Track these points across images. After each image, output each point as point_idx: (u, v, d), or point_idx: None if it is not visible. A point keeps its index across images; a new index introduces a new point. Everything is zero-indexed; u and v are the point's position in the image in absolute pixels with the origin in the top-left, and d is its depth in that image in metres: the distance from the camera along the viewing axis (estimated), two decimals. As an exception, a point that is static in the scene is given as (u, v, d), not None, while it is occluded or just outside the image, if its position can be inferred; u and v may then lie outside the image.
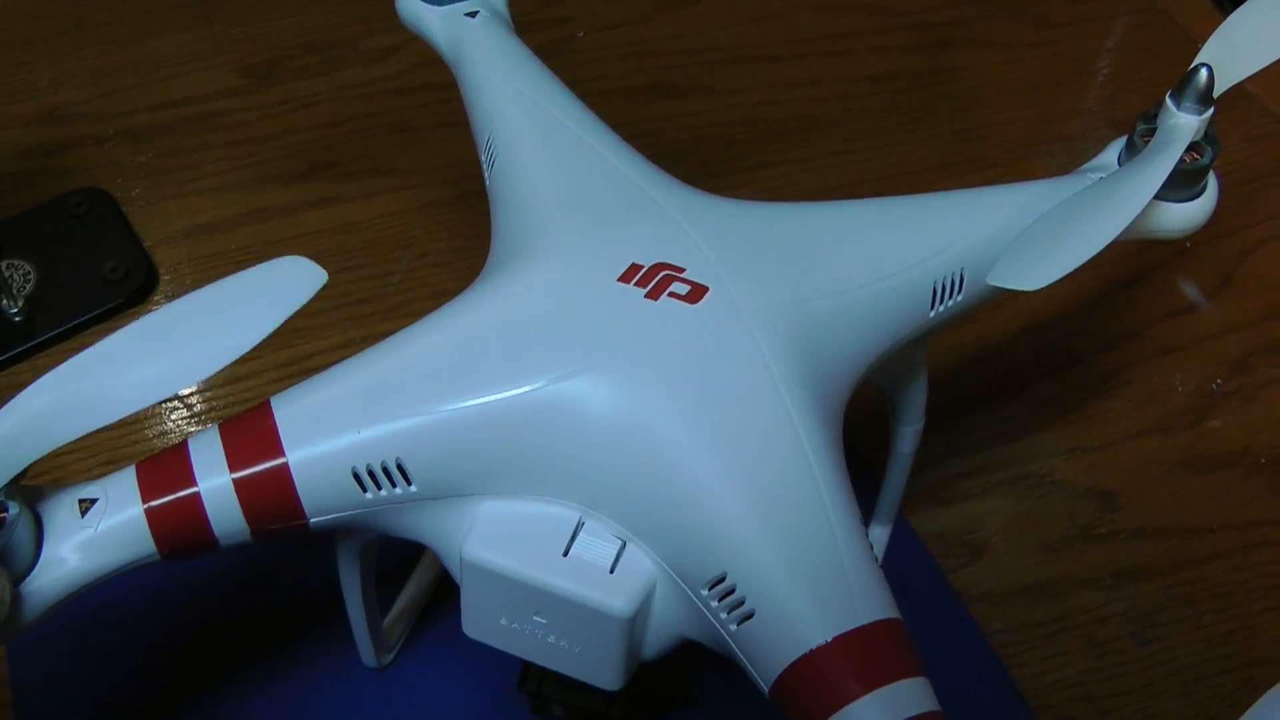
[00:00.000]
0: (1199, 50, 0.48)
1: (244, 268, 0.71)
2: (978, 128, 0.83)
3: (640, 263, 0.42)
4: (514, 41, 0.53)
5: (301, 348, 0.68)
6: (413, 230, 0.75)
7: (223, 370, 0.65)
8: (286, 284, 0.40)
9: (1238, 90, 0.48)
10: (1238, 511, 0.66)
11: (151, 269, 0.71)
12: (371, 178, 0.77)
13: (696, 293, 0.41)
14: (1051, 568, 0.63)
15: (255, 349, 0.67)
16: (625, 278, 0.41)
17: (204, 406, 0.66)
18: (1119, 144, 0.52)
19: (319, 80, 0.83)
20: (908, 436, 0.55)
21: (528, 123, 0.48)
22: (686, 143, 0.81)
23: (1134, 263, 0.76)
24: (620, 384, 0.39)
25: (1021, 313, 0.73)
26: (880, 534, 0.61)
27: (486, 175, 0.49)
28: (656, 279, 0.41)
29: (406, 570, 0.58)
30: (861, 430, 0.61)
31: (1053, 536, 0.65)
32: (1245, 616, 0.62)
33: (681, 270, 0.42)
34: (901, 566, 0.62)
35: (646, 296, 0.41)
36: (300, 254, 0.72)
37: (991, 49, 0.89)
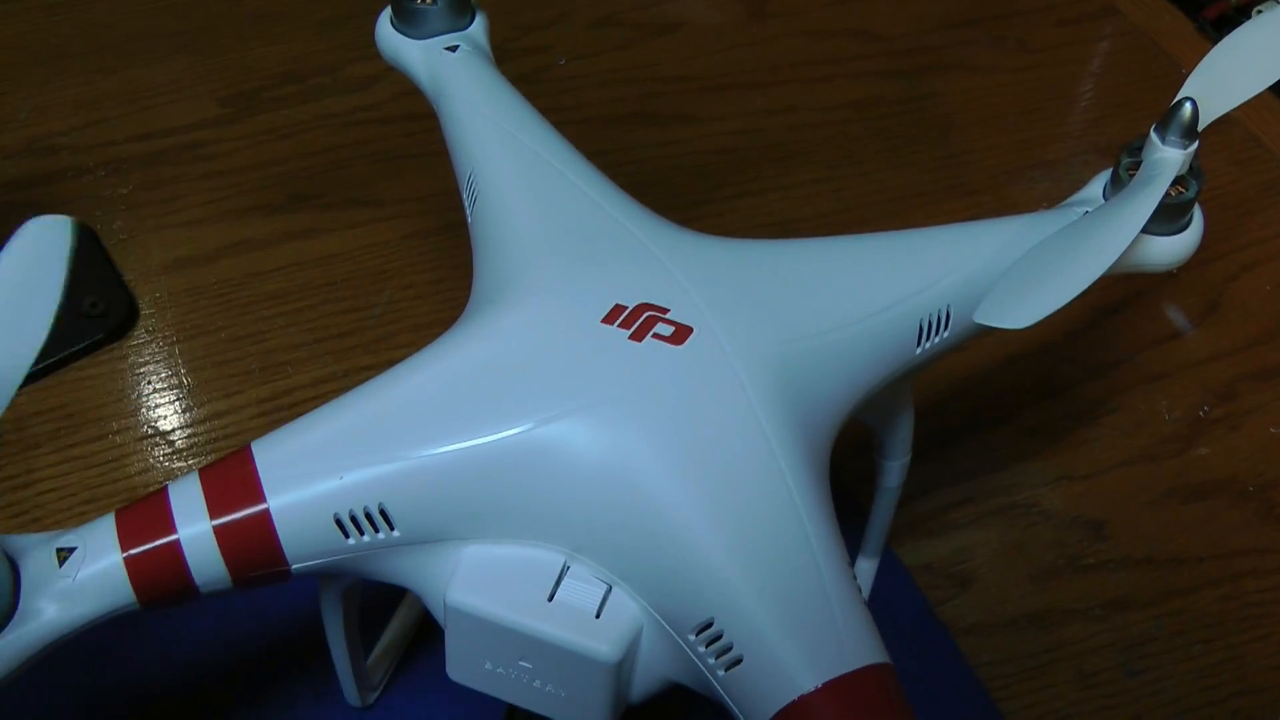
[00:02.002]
0: (1183, 80, 0.48)
1: (226, 302, 0.72)
2: (959, 154, 0.83)
3: (624, 303, 0.41)
4: (495, 76, 0.52)
5: (283, 383, 0.68)
6: (394, 262, 0.74)
7: (205, 406, 0.67)
8: (41, 251, 0.38)
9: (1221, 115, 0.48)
10: (1225, 540, 0.66)
11: (132, 304, 0.70)
12: (353, 208, 0.77)
13: (681, 334, 0.41)
14: (1040, 599, 0.63)
15: (236, 383, 0.67)
16: (609, 319, 0.41)
17: (185, 443, 0.65)
18: (1104, 177, 0.52)
19: (299, 110, 0.83)
20: (894, 471, 0.55)
21: (510, 160, 0.48)
22: (665, 171, 0.81)
23: (1120, 289, 0.76)
24: (605, 427, 0.39)
25: (1007, 341, 0.73)
26: (867, 568, 0.61)
27: (469, 213, 0.48)
28: (640, 320, 0.41)
29: (390, 607, 0.57)
30: (847, 462, 0.60)
31: (1040, 567, 0.64)
32: (1233, 646, 0.62)
33: (665, 311, 0.41)
34: (889, 599, 0.61)
35: (630, 338, 0.41)
36: (283, 287, 0.72)
37: (973, 74, 0.89)
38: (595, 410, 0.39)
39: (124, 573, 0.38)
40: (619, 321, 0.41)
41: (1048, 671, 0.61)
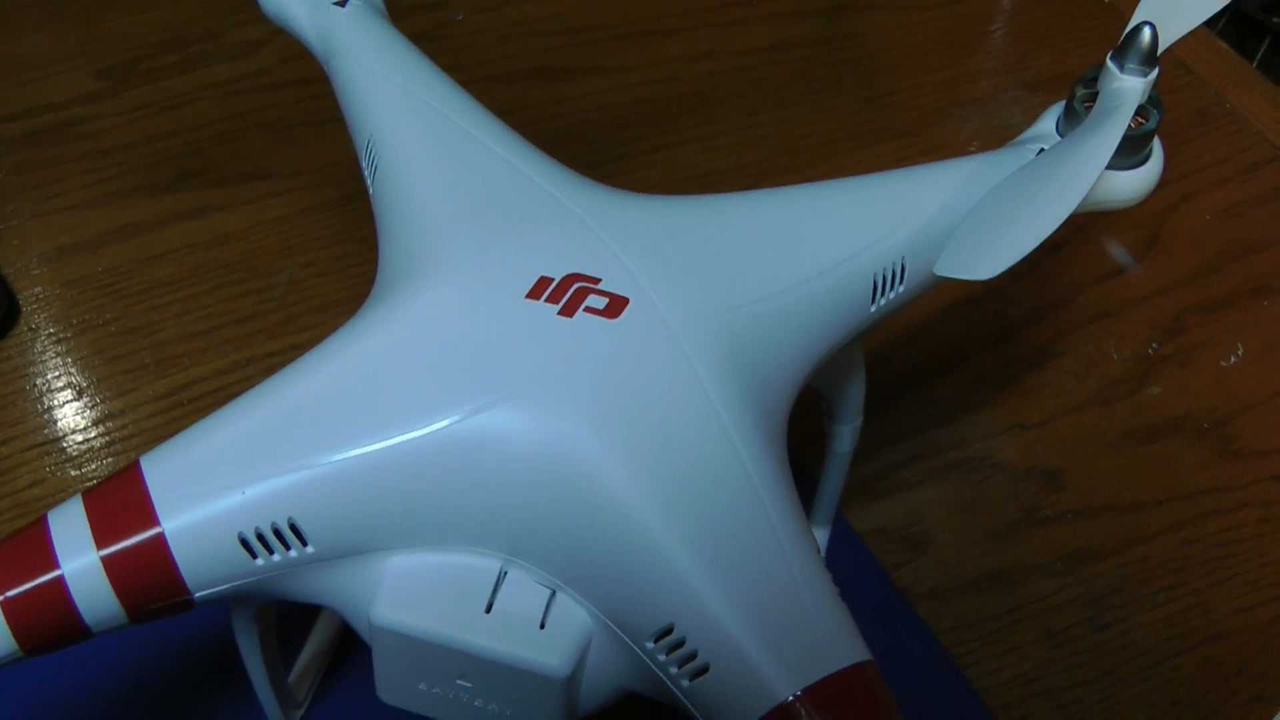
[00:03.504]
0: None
1: (115, 292, 0.66)
2: (885, 95, 0.80)
3: (550, 275, 0.37)
4: (390, 31, 0.48)
5: (179, 376, 0.63)
6: (293, 238, 0.69)
7: (98, 408, 0.61)
8: None
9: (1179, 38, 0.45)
10: (1184, 481, 0.64)
11: (11, 300, 0.65)
12: (245, 183, 0.72)
13: (615, 305, 0.37)
14: (999, 556, 0.60)
15: (130, 380, 0.62)
16: (534, 293, 0.37)
17: (79, 450, 0.60)
18: (1055, 111, 0.48)
19: (181, 80, 0.77)
20: (845, 435, 0.52)
21: (412, 122, 0.43)
22: (578, 127, 0.76)
23: (1059, 227, 0.73)
24: (538, 415, 0.35)
25: (948, 287, 0.69)
26: (820, 537, 0.58)
27: (369, 184, 0.44)
28: (570, 293, 0.37)
29: (310, 616, 0.53)
30: (792, 425, 0.57)
31: (998, 523, 0.61)
32: (1199, 592, 0.60)
33: (596, 281, 0.37)
34: (842, 569, 0.57)
35: (560, 313, 0.36)
36: (175, 272, 0.67)
37: (891, 12, 0.85)
38: (526, 397, 0.35)
39: (1, 619, 0.34)
40: (545, 295, 0.37)
41: (1013, 633, 0.58)
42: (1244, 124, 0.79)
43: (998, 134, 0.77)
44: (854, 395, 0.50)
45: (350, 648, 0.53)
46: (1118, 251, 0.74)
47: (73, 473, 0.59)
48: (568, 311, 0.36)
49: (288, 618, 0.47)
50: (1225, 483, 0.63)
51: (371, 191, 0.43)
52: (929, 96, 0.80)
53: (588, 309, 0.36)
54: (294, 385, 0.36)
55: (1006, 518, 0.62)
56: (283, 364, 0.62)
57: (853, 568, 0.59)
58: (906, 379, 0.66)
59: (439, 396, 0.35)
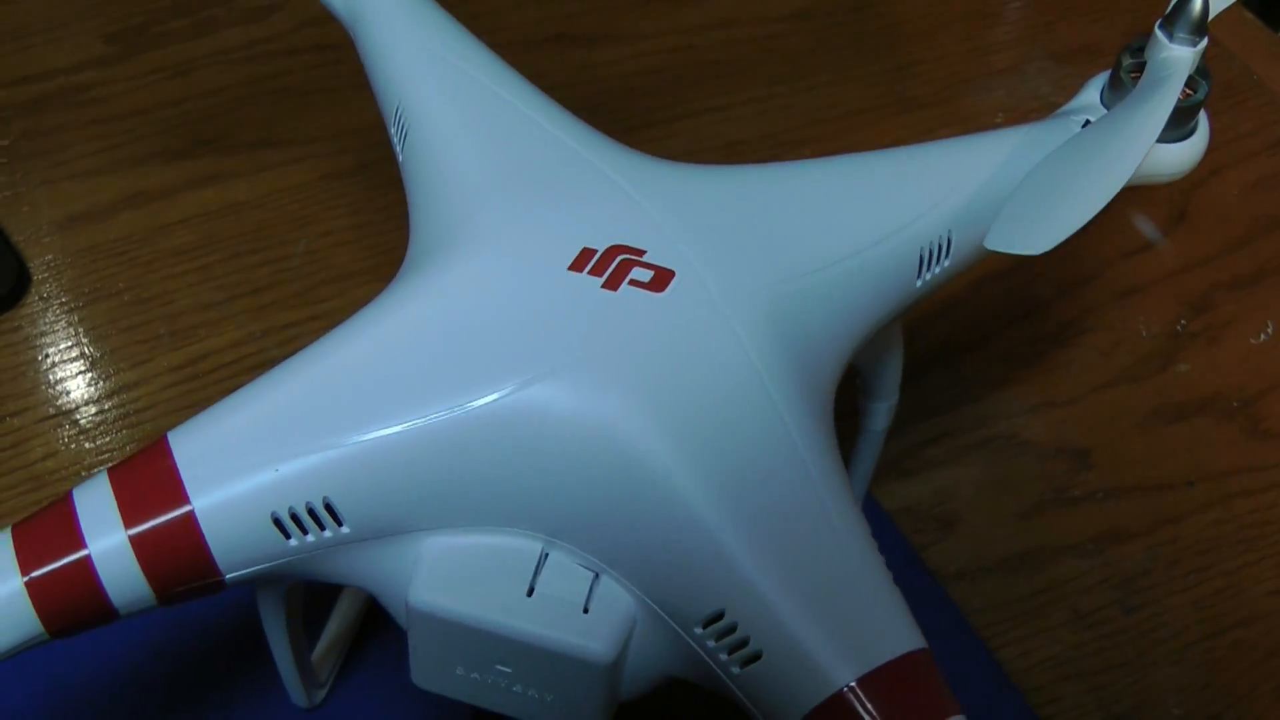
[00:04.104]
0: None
1: (127, 260, 0.65)
2: (908, 65, 0.78)
3: (593, 246, 0.36)
4: (418, -7, 0.46)
5: (194, 347, 0.61)
6: (310, 207, 0.68)
7: (112, 379, 0.60)
8: None
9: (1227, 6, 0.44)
10: (1213, 461, 0.62)
11: (22, 269, 0.64)
12: (260, 150, 0.70)
13: (661, 279, 0.35)
14: (1028, 536, 0.59)
15: (144, 351, 0.61)
16: (577, 265, 0.36)
17: (92, 421, 0.59)
18: (1099, 81, 0.47)
19: (193, 45, 0.76)
20: (881, 413, 0.50)
21: (444, 87, 0.42)
22: (596, 96, 0.75)
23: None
24: (585, 391, 0.34)
25: (974, 261, 0.69)
26: (850, 516, 0.56)
27: (399, 152, 0.42)
28: (614, 265, 0.35)
29: (332, 594, 0.51)
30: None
31: (1026, 503, 0.60)
32: (1229, 574, 0.59)
33: (641, 253, 0.36)
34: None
35: (604, 286, 0.35)
36: (189, 241, 0.66)
37: (915, -22, 0.84)
38: (571, 372, 0.34)
39: (26, 600, 0.33)
40: (589, 268, 0.35)
41: (1043, 614, 0.57)
42: (1272, 97, 0.78)
43: (1024, 105, 0.76)
44: (891, 372, 0.48)
45: (374, 627, 0.52)
46: (1145, 226, 0.72)
47: (87, 445, 0.58)
48: (612, 285, 0.35)
49: (311, 595, 0.45)
50: (1255, 463, 0.63)
51: (401, 159, 0.42)
52: (953, 67, 0.78)
53: (633, 282, 0.35)
54: (328, 359, 0.35)
55: (1035, 497, 0.61)
56: (300, 335, 0.62)
57: (882, 547, 0.57)
58: (934, 354, 0.65)
59: (482, 371, 0.34)
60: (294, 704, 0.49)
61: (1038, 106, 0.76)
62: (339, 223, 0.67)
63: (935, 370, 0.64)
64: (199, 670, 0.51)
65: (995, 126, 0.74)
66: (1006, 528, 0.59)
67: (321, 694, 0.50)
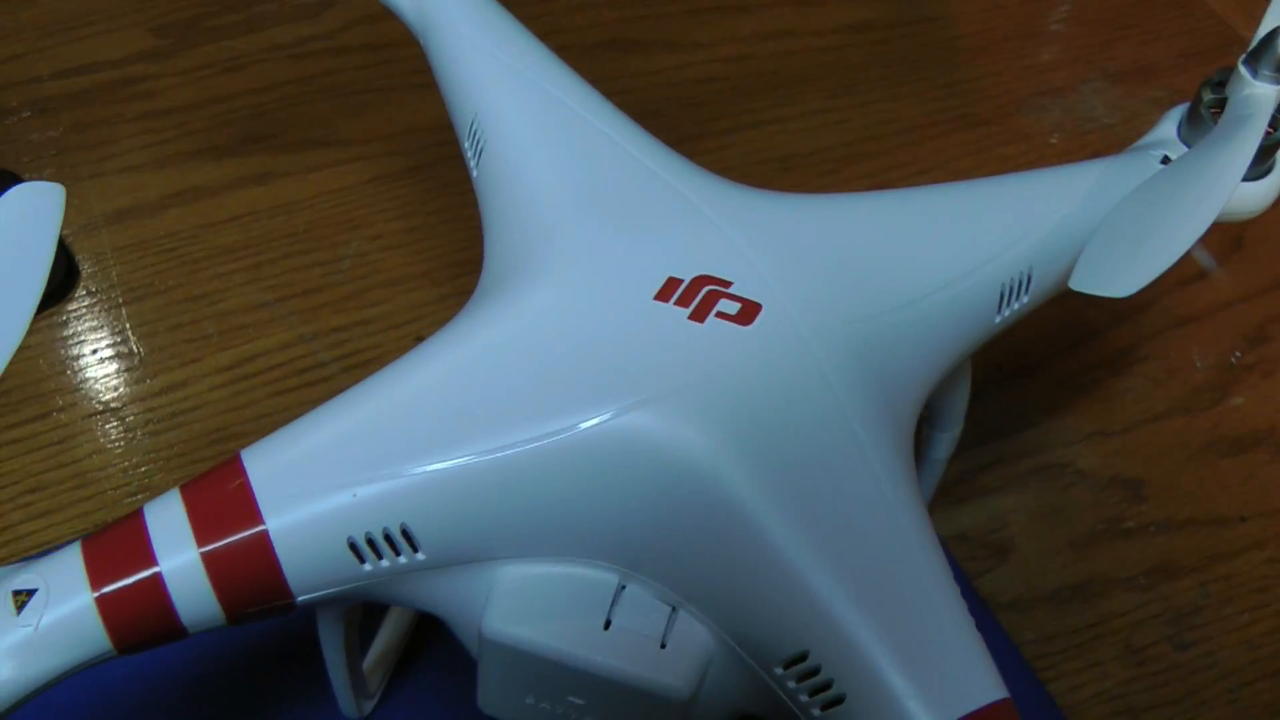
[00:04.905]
0: (1266, 12, 0.43)
1: (176, 258, 0.64)
2: (964, 81, 0.77)
3: (679, 276, 0.35)
4: (492, 3, 0.46)
5: (244, 348, 0.61)
6: (361, 209, 0.67)
7: (159, 376, 0.60)
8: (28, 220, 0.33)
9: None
10: (1267, 497, 0.62)
11: (71, 263, 0.63)
12: (310, 150, 0.70)
13: (749, 312, 0.35)
14: (1081, 568, 0.58)
15: (193, 350, 0.61)
16: (663, 295, 0.35)
17: (140, 419, 0.59)
18: (1176, 114, 0.46)
19: (244, 40, 0.75)
20: (944, 443, 0.50)
21: (522, 103, 0.41)
22: (652, 104, 0.74)
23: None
24: (670, 424, 0.33)
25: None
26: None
27: (472, 167, 0.42)
28: (700, 296, 0.35)
29: (385, 605, 0.51)
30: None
31: (1080, 533, 0.60)
32: (1283, 613, 0.58)
33: (728, 285, 0.35)
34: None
35: (691, 318, 0.35)
36: (238, 240, 0.65)
37: (971, -6, 0.83)
38: (658, 405, 0.33)
39: (96, 616, 0.32)
40: (675, 298, 0.35)
41: (1095, 648, 0.56)
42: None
43: (1080, 127, 0.75)
44: (958, 403, 0.48)
45: (423, 639, 0.51)
46: (1201, 255, 0.72)
47: (134, 443, 0.58)
48: (699, 316, 0.34)
49: (365, 606, 0.45)
50: (1310, 500, 0.62)
51: (475, 175, 0.41)
52: (1009, 85, 0.77)
53: (719, 314, 0.35)
54: (408, 381, 0.34)
55: (1088, 528, 0.60)
56: (350, 339, 0.62)
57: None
58: (989, 379, 0.64)
59: (565, 401, 0.33)
60: (344, 714, 0.48)
61: (1093, 128, 0.76)
62: (390, 226, 0.66)
63: (989, 396, 0.64)
64: (250, 676, 0.50)
65: (1051, 146, 0.74)
66: (1060, 557, 0.59)
67: (370, 705, 0.49)
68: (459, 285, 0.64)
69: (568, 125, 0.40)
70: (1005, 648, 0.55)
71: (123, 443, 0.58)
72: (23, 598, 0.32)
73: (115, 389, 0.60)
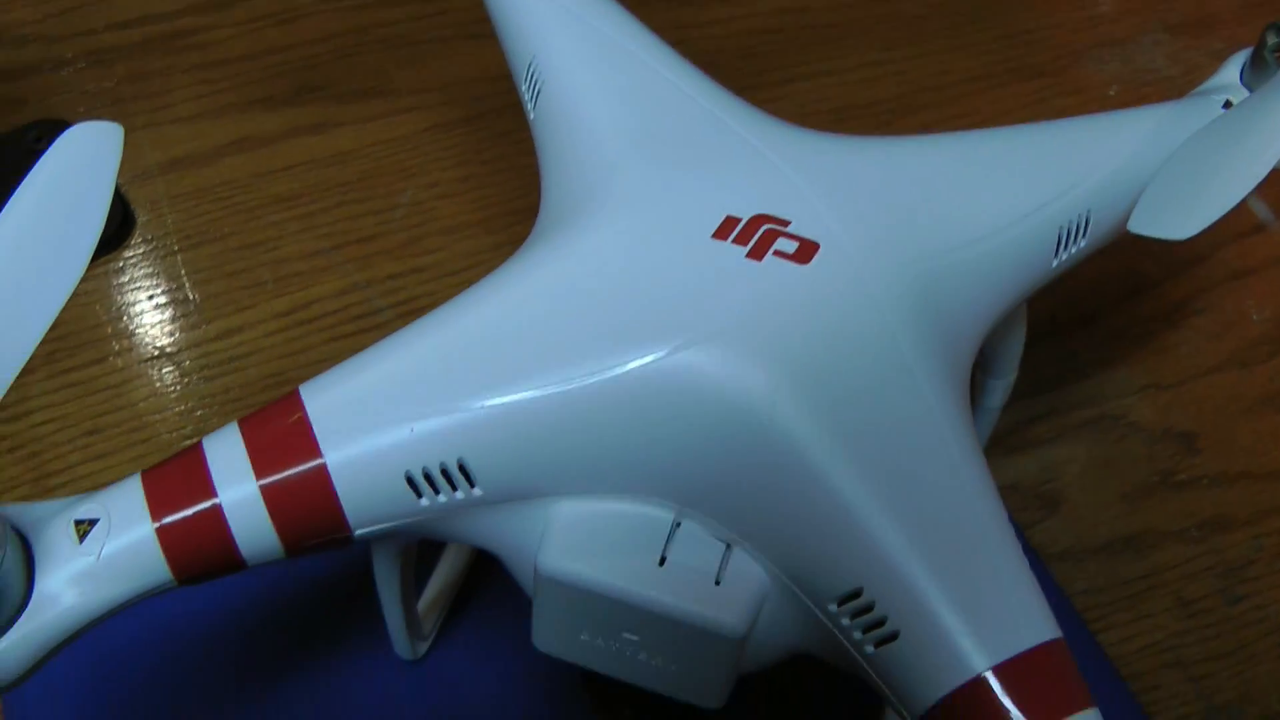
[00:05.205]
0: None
1: (231, 206, 0.65)
2: (1022, 33, 0.77)
3: (737, 215, 0.35)
4: (548, -53, 0.46)
5: (300, 295, 0.61)
6: (416, 158, 0.67)
7: (214, 323, 0.60)
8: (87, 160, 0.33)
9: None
10: (1323, 452, 0.61)
11: (126, 210, 0.64)
12: (365, 100, 0.70)
13: (806, 250, 0.35)
14: (1133, 520, 0.58)
15: (248, 296, 0.61)
16: (721, 233, 0.35)
17: (195, 364, 0.59)
18: (1239, 59, 0.46)
19: (298, -9, 0.75)
20: (998, 390, 0.50)
21: (580, 46, 0.41)
22: (706, 54, 0.73)
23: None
24: (728, 361, 0.33)
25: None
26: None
27: (529, 109, 0.42)
28: (758, 234, 0.35)
29: (439, 546, 0.51)
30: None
31: (1132, 485, 0.59)
32: (1336, 568, 0.58)
33: (786, 224, 0.35)
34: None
35: (749, 256, 0.34)
36: (293, 188, 0.65)
37: (1027, -55, 0.82)
38: (716, 342, 0.33)
39: (157, 546, 0.33)
40: (733, 236, 0.35)
41: (1146, 599, 0.56)
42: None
43: (1139, 78, 0.74)
44: (1013, 349, 0.48)
45: (477, 582, 0.52)
46: (1258, 207, 0.71)
47: (189, 388, 0.58)
48: (756, 254, 0.34)
49: (419, 548, 0.45)
50: (1365, 456, 0.61)
51: (532, 117, 0.41)
52: (1068, 36, 0.77)
53: (777, 253, 0.34)
54: (466, 318, 0.35)
55: (1141, 480, 0.60)
56: (404, 287, 0.62)
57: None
58: (1042, 330, 0.64)
59: (624, 337, 0.33)
60: (398, 655, 0.49)
61: (1152, 80, 0.75)
62: (445, 174, 0.67)
63: (1043, 346, 0.63)
64: (305, 616, 0.51)
65: (1110, 98, 0.73)
66: (1112, 510, 0.58)
67: (425, 646, 0.50)
68: (514, 233, 0.64)
69: (624, 66, 0.40)
70: (1056, 598, 0.55)
71: (178, 387, 0.58)
72: (85, 527, 0.32)
73: (171, 334, 0.60)
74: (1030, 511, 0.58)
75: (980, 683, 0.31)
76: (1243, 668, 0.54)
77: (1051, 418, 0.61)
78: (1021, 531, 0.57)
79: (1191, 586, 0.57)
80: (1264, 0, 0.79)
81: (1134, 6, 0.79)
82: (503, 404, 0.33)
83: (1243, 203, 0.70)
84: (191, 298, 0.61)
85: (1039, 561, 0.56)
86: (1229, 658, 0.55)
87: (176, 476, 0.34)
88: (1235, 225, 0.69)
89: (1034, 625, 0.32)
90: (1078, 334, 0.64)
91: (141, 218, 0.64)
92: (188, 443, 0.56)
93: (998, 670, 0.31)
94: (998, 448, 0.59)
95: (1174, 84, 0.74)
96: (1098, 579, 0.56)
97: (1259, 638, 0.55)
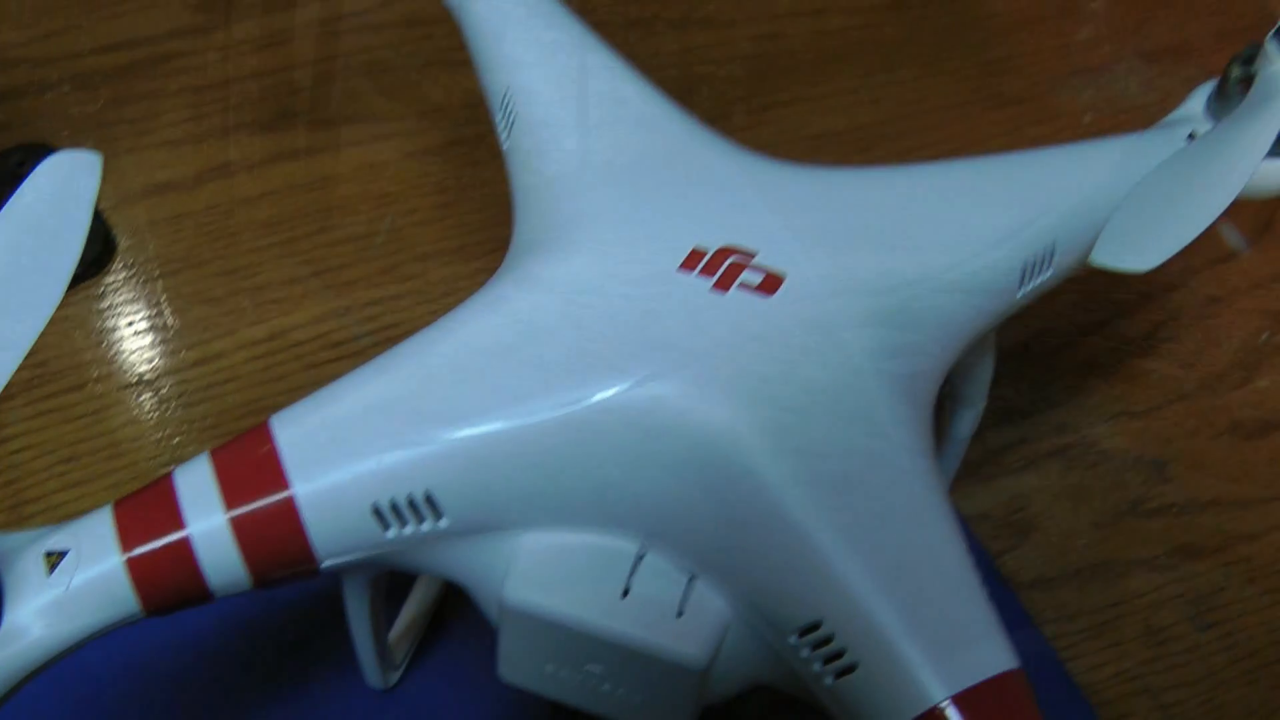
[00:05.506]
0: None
1: (212, 231, 0.65)
2: (999, 60, 0.77)
3: (703, 247, 0.36)
4: (523, -23, 0.46)
5: (278, 321, 0.62)
6: (395, 184, 0.68)
7: (194, 349, 0.61)
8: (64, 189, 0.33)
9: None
10: (1292, 479, 0.62)
11: (108, 236, 0.64)
12: (346, 125, 0.70)
13: (771, 283, 0.35)
14: (1103, 547, 0.59)
15: (228, 323, 0.62)
16: (688, 264, 0.35)
17: (173, 390, 0.60)
18: (1204, 91, 0.46)
19: (281, 16, 0.76)
20: (967, 419, 0.50)
21: (553, 77, 0.42)
22: (683, 81, 0.75)
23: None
24: (692, 394, 0.34)
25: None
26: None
27: (503, 139, 0.42)
28: (724, 266, 0.35)
29: (411, 576, 0.52)
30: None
31: (1103, 512, 0.60)
32: (1305, 596, 0.58)
33: (752, 255, 0.36)
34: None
35: (715, 288, 0.35)
36: (274, 214, 0.66)
37: (1007, -27, 0.83)
38: (680, 374, 0.34)
39: (126, 577, 0.33)
40: (700, 268, 0.35)
41: (1115, 628, 0.57)
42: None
43: (1114, 105, 0.75)
44: (981, 378, 0.48)
45: (448, 611, 0.52)
46: (1230, 235, 0.71)
47: (167, 415, 0.59)
48: (723, 286, 0.35)
49: (391, 578, 0.45)
50: (1334, 484, 0.62)
51: (506, 147, 0.42)
52: (1044, 63, 0.77)
53: (743, 285, 0.35)
54: (434, 350, 0.35)
55: (1111, 507, 0.60)
56: (383, 313, 0.63)
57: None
58: (1014, 356, 0.64)
59: (589, 369, 0.34)
60: (369, 685, 0.49)
61: (1127, 106, 0.75)
62: (424, 200, 0.67)
63: (1014, 375, 0.64)
64: (276, 646, 0.51)
65: (1085, 126, 0.74)
66: (1082, 538, 0.59)
67: (396, 676, 0.50)
68: (492, 260, 0.64)
69: (597, 98, 0.41)
70: (1026, 628, 0.55)
71: (156, 414, 0.59)
72: (54, 559, 0.33)
73: (150, 361, 0.61)
74: (1001, 540, 0.58)
75: (938, 713, 0.31)
76: (1212, 694, 0.55)
77: (1022, 446, 0.61)
78: (992, 560, 0.57)
79: (1161, 614, 0.57)
80: (1238, 29, 0.80)
81: (1109, 35, 0.80)
82: (469, 436, 0.33)
83: (1215, 230, 0.71)
84: (171, 324, 0.62)
85: (1009, 590, 0.56)
86: (1197, 685, 0.55)
87: (147, 507, 0.34)
88: (1207, 252, 0.70)
89: (993, 655, 0.32)
90: (1049, 363, 0.65)
91: (123, 243, 0.65)
92: (164, 470, 0.57)
93: (957, 700, 0.31)
94: (969, 476, 0.60)
95: (1149, 111, 0.74)
96: (1068, 607, 0.57)
97: (1228, 665, 0.56)
